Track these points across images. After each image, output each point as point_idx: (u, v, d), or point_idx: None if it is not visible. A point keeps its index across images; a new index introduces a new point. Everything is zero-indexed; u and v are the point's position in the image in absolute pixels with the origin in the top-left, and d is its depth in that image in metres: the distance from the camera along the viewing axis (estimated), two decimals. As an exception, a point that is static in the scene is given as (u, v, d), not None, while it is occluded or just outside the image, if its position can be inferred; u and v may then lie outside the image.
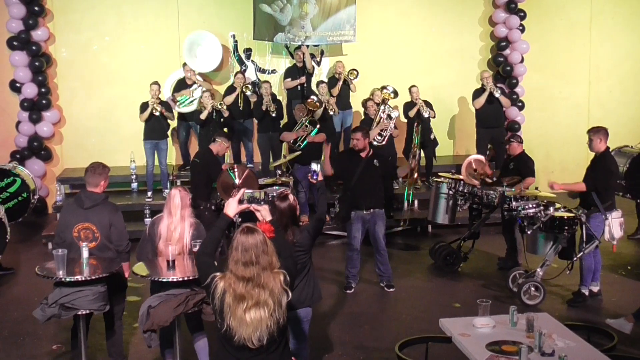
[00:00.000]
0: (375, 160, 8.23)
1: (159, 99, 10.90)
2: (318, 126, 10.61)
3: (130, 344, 6.79)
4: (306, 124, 10.51)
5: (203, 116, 10.77)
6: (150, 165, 11.07)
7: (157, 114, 10.74)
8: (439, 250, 9.19)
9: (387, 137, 10.51)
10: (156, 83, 10.92)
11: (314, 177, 6.04)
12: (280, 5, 12.14)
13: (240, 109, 11.34)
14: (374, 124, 10.70)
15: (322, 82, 11.75)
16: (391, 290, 8.35)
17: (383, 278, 8.44)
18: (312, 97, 10.93)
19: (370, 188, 8.14)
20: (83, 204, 5.94)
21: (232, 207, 4.17)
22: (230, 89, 11.57)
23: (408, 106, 11.55)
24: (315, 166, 6.14)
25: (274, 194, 5.71)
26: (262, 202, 4.24)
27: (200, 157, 9.28)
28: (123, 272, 6.07)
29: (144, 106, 10.85)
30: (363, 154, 8.17)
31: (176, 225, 5.89)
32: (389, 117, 10.65)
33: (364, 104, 11.23)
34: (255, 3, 12.04)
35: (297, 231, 5.50)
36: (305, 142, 10.43)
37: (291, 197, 5.60)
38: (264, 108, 10.94)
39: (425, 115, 11.36)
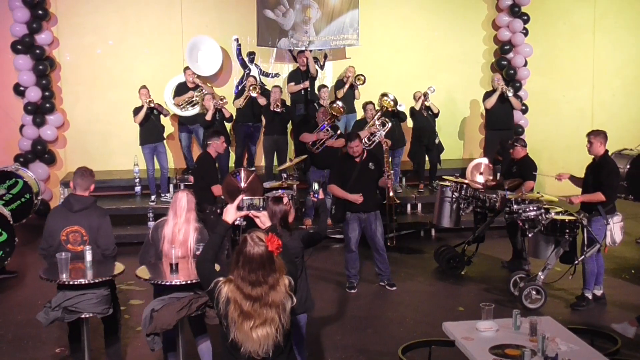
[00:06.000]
0: (370, 164, 8.33)
1: (150, 97, 10.92)
2: (339, 131, 10.61)
3: (133, 347, 6.79)
4: (327, 128, 10.50)
5: (208, 117, 10.79)
6: (151, 169, 11.10)
7: (152, 105, 10.74)
8: (444, 254, 9.19)
9: (374, 143, 10.47)
10: (144, 87, 10.91)
11: (316, 196, 6.10)
12: (283, 10, 12.16)
13: (242, 107, 11.34)
14: (366, 126, 10.75)
15: (324, 86, 11.77)
16: (393, 288, 8.39)
17: (383, 277, 8.49)
18: (337, 102, 10.94)
19: (366, 190, 8.23)
20: (72, 207, 5.91)
21: (230, 214, 4.14)
22: (241, 93, 11.62)
23: (413, 108, 11.60)
24: (316, 186, 6.24)
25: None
26: (260, 209, 4.23)
27: (198, 162, 9.26)
28: None
29: (137, 109, 10.88)
30: (358, 159, 8.25)
31: (180, 228, 5.89)
32: (382, 124, 10.69)
33: (364, 106, 11.25)
34: (258, 9, 12.06)
35: (287, 234, 5.45)
36: (324, 146, 10.43)
37: (285, 199, 5.58)
38: (272, 108, 10.95)
39: (430, 92, 11.49)
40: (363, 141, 10.29)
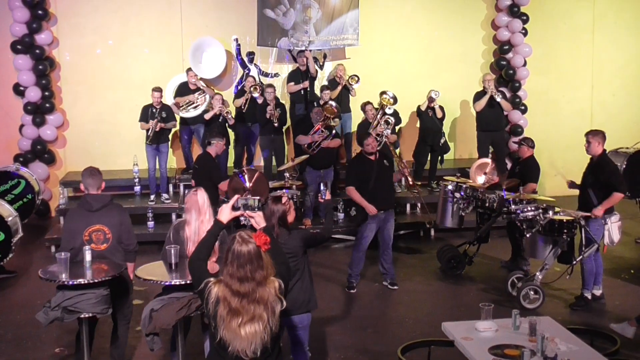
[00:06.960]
0: (385, 161, 8.41)
1: (161, 103, 10.91)
2: (334, 132, 10.58)
3: (133, 347, 6.78)
4: (322, 128, 10.47)
5: (207, 116, 10.79)
6: (152, 168, 11.09)
7: (158, 129, 10.77)
8: (445, 253, 9.18)
9: (382, 143, 10.47)
10: (158, 90, 10.90)
11: (323, 197, 6.16)
12: (284, 10, 12.16)
13: (244, 110, 11.33)
14: (370, 128, 10.71)
15: (326, 87, 11.72)
16: (395, 288, 8.41)
17: (387, 276, 8.51)
18: (331, 102, 10.91)
19: (385, 189, 8.33)
20: (91, 206, 5.92)
21: (225, 214, 4.12)
22: (241, 93, 11.60)
23: (419, 109, 11.59)
24: (323, 187, 6.29)
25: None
26: (256, 209, 4.22)
27: (200, 162, 9.23)
28: (128, 274, 6.03)
29: (144, 112, 10.85)
30: (373, 157, 8.29)
31: (206, 226, 5.83)
32: (387, 122, 10.67)
33: (363, 107, 11.23)
34: (258, 9, 12.06)
35: (285, 234, 5.44)
36: (319, 147, 10.40)
37: (284, 199, 5.56)
38: (267, 116, 10.89)
39: (435, 97, 11.46)
40: None
